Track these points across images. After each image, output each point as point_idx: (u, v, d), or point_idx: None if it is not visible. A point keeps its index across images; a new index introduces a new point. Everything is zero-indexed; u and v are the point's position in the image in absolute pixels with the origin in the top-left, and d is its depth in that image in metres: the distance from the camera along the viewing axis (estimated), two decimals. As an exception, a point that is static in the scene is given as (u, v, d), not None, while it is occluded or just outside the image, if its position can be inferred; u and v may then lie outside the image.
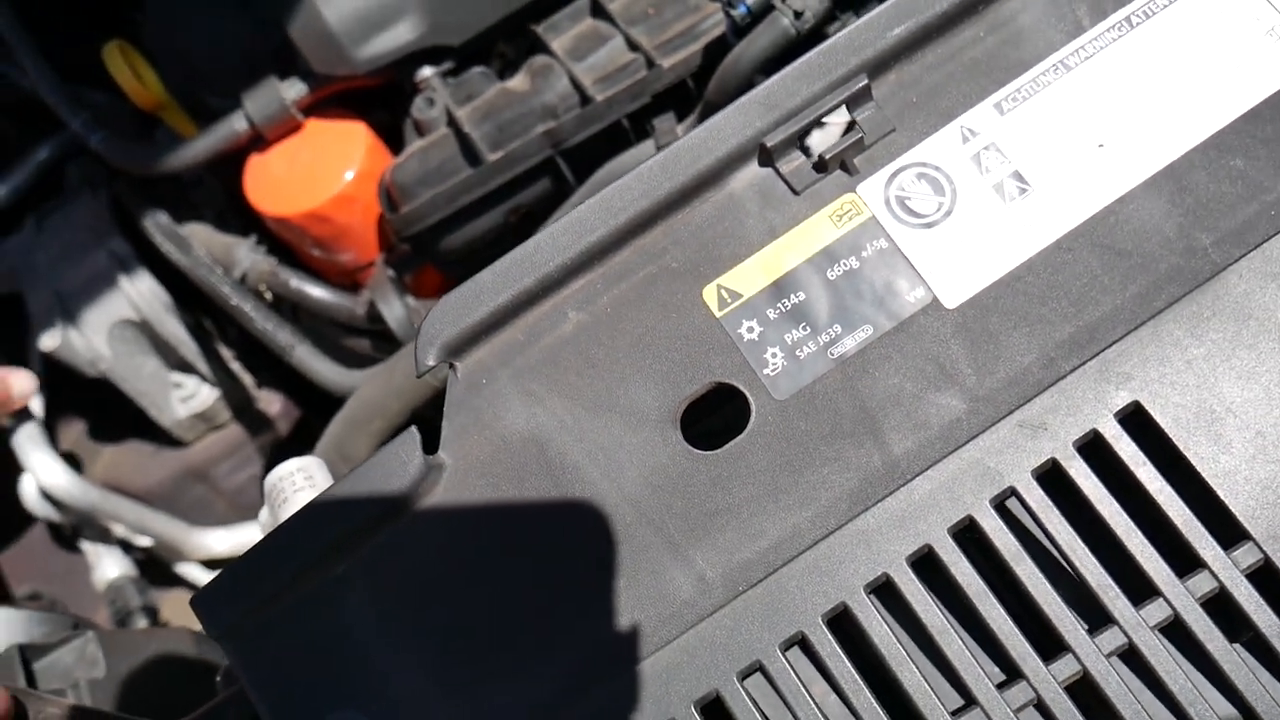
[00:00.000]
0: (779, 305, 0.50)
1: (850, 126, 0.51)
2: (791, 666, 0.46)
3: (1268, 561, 0.45)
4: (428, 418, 0.80)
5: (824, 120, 0.51)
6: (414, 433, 0.50)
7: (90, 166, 1.04)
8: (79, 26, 1.04)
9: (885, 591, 0.47)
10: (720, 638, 0.47)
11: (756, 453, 0.49)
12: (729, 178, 0.52)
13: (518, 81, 0.85)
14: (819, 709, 0.46)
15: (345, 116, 0.94)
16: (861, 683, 0.46)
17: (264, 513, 0.59)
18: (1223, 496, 0.46)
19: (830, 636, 0.46)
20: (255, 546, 0.51)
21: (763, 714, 0.46)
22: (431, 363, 0.50)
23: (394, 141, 0.97)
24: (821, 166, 0.51)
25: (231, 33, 0.91)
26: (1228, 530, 0.45)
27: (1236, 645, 0.45)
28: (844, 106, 0.51)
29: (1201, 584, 0.45)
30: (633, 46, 0.81)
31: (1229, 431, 0.46)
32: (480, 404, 0.51)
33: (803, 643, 0.47)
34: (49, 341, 1.00)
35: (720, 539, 0.48)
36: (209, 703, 0.56)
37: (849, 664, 0.46)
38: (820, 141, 0.51)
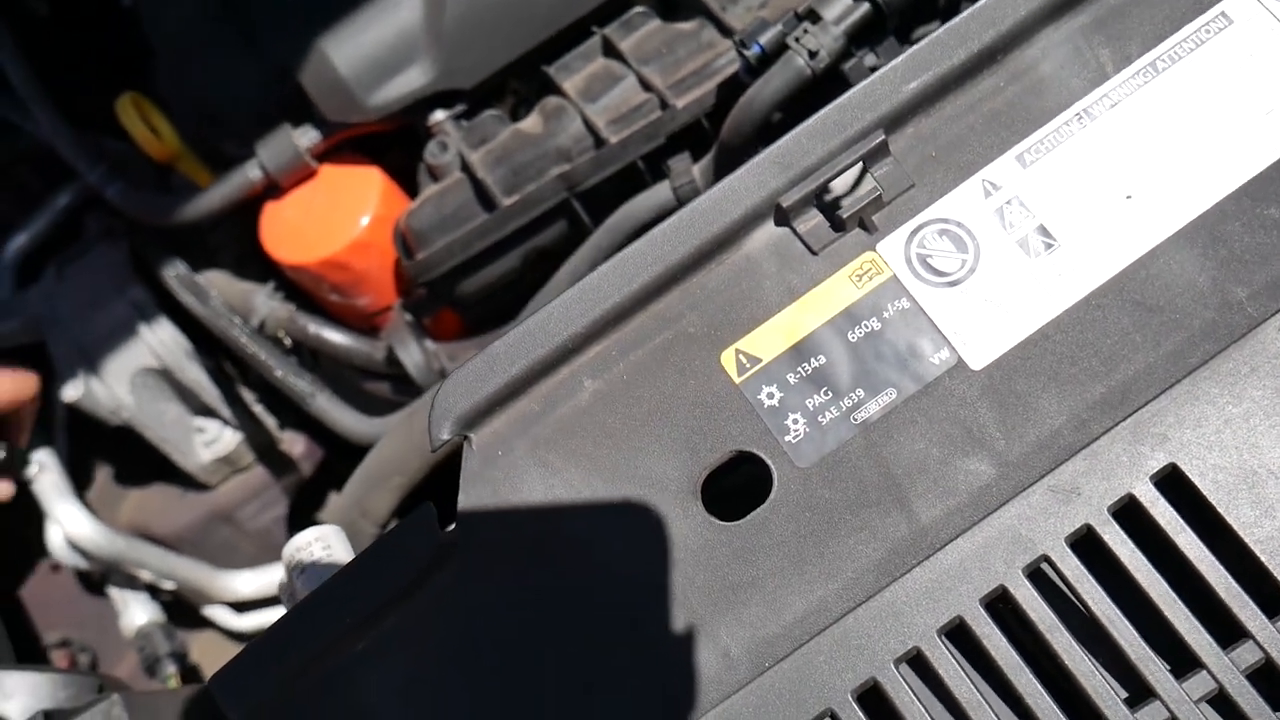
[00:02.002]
0: (799, 369, 0.49)
1: (865, 182, 0.49)
2: (822, 745, 0.45)
3: (1316, 630, 0.43)
4: (449, 473, 0.79)
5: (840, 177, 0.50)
6: (430, 509, 0.49)
7: (109, 216, 1.04)
8: (92, 75, 1.04)
9: (917, 664, 0.46)
10: (747, 716, 0.46)
11: (780, 523, 0.47)
12: (745, 239, 0.51)
13: (530, 123, 0.84)
14: (852, 788, 0.45)
15: (359, 162, 0.94)
16: (894, 761, 0.44)
17: (282, 581, 0.58)
18: (1266, 562, 0.44)
19: (860, 713, 0.45)
20: (273, 626, 0.50)
21: (794, 795, 0.45)
22: (446, 437, 0.50)
23: (409, 183, 0.97)
24: (839, 225, 0.50)
25: (244, 81, 0.91)
26: (1273, 598, 0.44)
27: (1283, 716, 0.44)
28: (861, 163, 0.49)
29: (1246, 655, 0.44)
30: (646, 86, 0.80)
31: (1272, 494, 0.45)
32: (496, 477, 0.50)
33: (833, 718, 0.46)
34: (71, 392, 1.00)
35: (745, 613, 0.47)
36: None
37: (881, 741, 0.45)
38: (838, 198, 0.50)
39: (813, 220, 0.50)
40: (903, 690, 0.45)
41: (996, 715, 0.45)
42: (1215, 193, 0.48)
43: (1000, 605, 0.46)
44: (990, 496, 0.46)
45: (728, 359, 0.50)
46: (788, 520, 0.47)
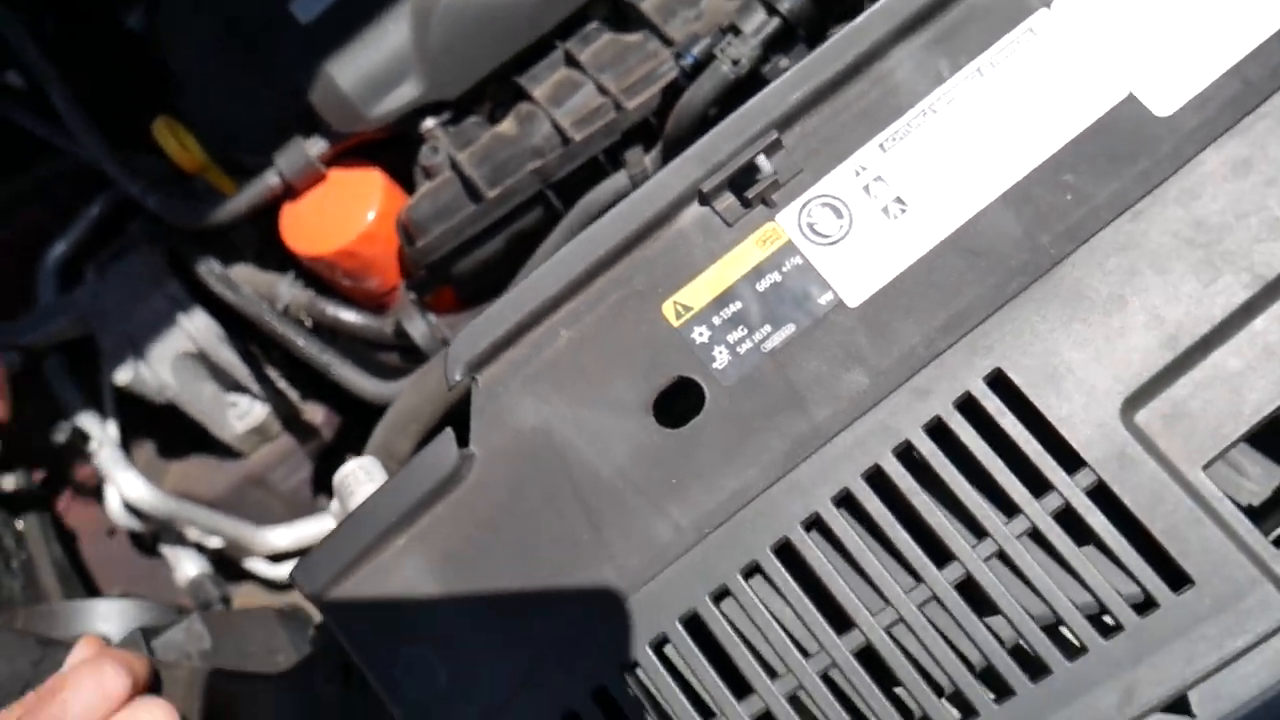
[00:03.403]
0: (722, 313, 0.65)
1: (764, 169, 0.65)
2: (749, 588, 0.61)
3: (1101, 482, 0.59)
4: (455, 419, 0.95)
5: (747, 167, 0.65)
6: (449, 433, 0.65)
7: (149, 222, 1.19)
8: (120, 100, 1.19)
9: (818, 526, 0.62)
10: (695, 569, 0.62)
11: (712, 428, 0.63)
12: (677, 217, 0.66)
13: (507, 126, 0.99)
14: (774, 618, 0.61)
15: (362, 165, 1.09)
16: (804, 595, 0.61)
17: (334, 503, 0.74)
18: (1065, 435, 0.60)
19: (778, 563, 0.61)
20: (336, 529, 0.66)
21: (732, 625, 0.61)
22: (459, 377, 0.66)
23: (403, 181, 1.12)
24: (748, 203, 0.65)
25: (258, 103, 1.06)
26: (1071, 461, 0.60)
27: (1085, 548, 0.60)
28: (762, 155, 0.65)
29: (1051, 501, 0.60)
30: (602, 91, 0.95)
31: (1068, 386, 0.61)
32: (499, 407, 0.66)
33: (757, 569, 0.62)
34: (123, 376, 1.15)
35: (690, 495, 0.63)
36: (305, 655, 0.72)
37: (794, 582, 0.61)
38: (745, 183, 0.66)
39: (727, 200, 0.66)
40: (807, 545, 0.61)
41: (878, 561, 0.61)
42: (1027, 165, 0.64)
43: (876, 479, 0.62)
44: (866, 398, 0.62)
45: (668, 309, 0.65)
46: (718, 425, 0.64)
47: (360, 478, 0.71)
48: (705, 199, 0.66)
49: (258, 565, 1.31)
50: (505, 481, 0.65)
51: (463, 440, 0.66)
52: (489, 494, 0.65)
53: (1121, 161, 0.63)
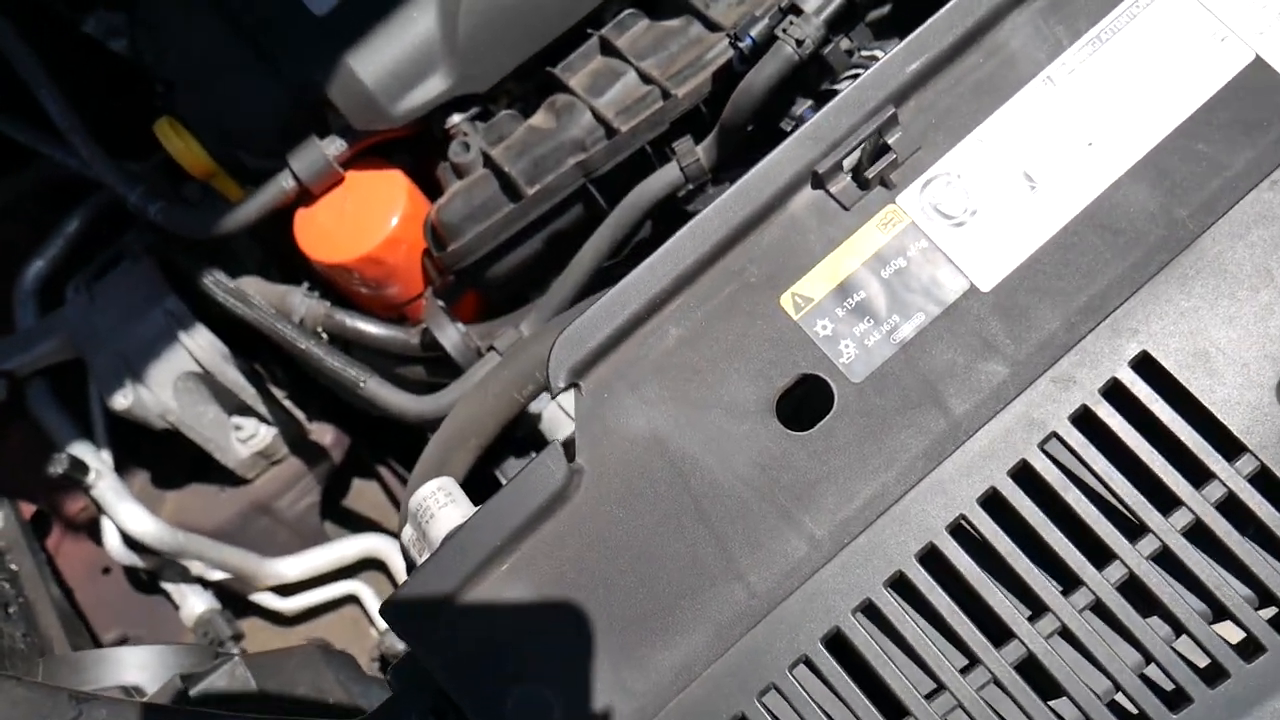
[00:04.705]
0: (845, 304, 0.60)
1: (885, 149, 0.61)
2: (897, 600, 0.57)
3: (1264, 468, 0.56)
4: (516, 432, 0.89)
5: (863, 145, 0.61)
6: (557, 446, 0.59)
7: (141, 234, 1.10)
8: (109, 102, 1.10)
9: (962, 533, 0.58)
10: (835, 583, 0.57)
11: (843, 429, 0.59)
12: (789, 202, 0.61)
13: (541, 119, 0.93)
14: (922, 633, 0.56)
15: (381, 165, 1.02)
16: (954, 604, 0.56)
17: (408, 530, 0.67)
18: (1222, 419, 0.56)
19: (923, 571, 0.57)
20: (431, 558, 0.60)
21: (878, 642, 0.56)
22: (562, 385, 0.60)
23: (420, 182, 1.05)
24: (865, 185, 0.61)
25: (263, 99, 0.98)
26: (1229, 446, 0.56)
27: (1246, 539, 0.56)
28: (878, 133, 0.61)
29: (1214, 491, 0.56)
30: (646, 79, 0.90)
31: (1220, 366, 0.57)
32: (606, 414, 0.60)
33: (901, 580, 0.57)
34: (122, 401, 1.07)
35: (823, 503, 0.58)
36: (384, 700, 0.65)
37: (942, 591, 0.56)
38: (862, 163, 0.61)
39: (843, 182, 0.61)
40: (955, 549, 0.57)
41: (1032, 565, 0.57)
42: (1156, 135, 0.60)
43: (1023, 476, 0.58)
44: (1007, 390, 0.58)
45: (786, 301, 0.60)
46: (849, 426, 0.59)
47: (441, 500, 0.65)
48: (819, 181, 0.61)
49: (266, 598, 1.23)
50: (617, 496, 0.59)
51: (569, 454, 0.60)
52: (600, 511, 0.59)
53: (1254, 128, 0.60)
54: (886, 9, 0.95)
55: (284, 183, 0.98)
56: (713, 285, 0.61)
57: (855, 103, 0.61)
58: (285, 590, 1.24)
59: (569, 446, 0.60)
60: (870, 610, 0.57)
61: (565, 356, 0.60)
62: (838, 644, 0.57)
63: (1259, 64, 0.61)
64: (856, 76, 0.68)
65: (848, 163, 0.61)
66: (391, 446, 1.29)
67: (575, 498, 0.59)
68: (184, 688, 0.76)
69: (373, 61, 0.92)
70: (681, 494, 0.59)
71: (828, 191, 0.61)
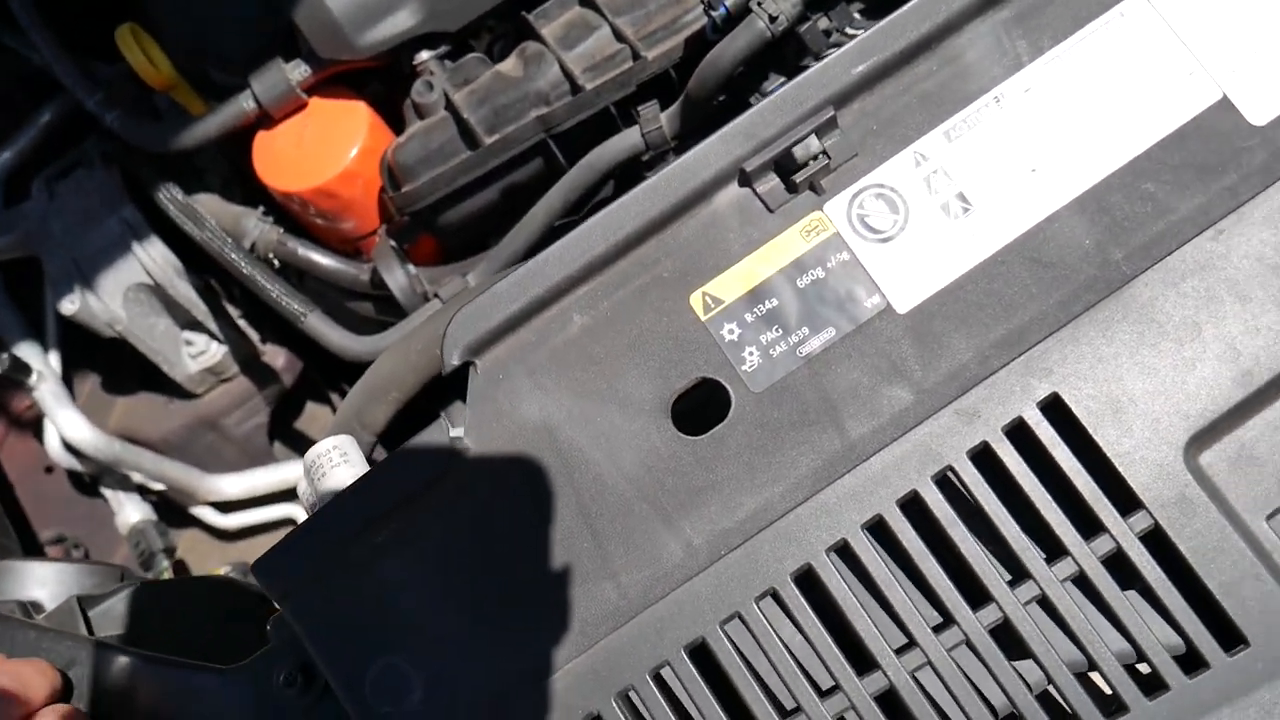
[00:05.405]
0: (755, 310, 0.58)
1: (819, 153, 0.58)
2: (765, 616, 0.56)
3: (1158, 527, 0.54)
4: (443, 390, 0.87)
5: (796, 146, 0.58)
6: (443, 423, 0.58)
7: (107, 141, 1.08)
8: (82, 3, 1.07)
9: (844, 553, 0.56)
10: (705, 593, 0.56)
11: (736, 438, 0.57)
12: (713, 197, 0.59)
13: (510, 66, 0.90)
14: (788, 650, 0.55)
15: (346, 95, 0.99)
16: (823, 628, 0.55)
17: (303, 484, 0.66)
18: (1123, 472, 0.55)
19: (797, 591, 0.56)
20: (308, 520, 0.59)
21: (742, 656, 0.56)
22: (456, 362, 0.58)
23: (389, 114, 1.03)
24: (793, 188, 0.58)
25: (236, 13, 0.95)
26: (1127, 501, 0.55)
27: (1129, 592, 0.55)
28: (813, 135, 0.58)
29: (1102, 545, 0.54)
30: (619, 37, 0.87)
31: (1130, 418, 0.55)
32: (498, 396, 0.59)
33: (775, 596, 0.56)
34: (69, 306, 1.06)
35: (705, 511, 0.57)
36: (261, 649, 0.65)
37: (813, 613, 0.55)
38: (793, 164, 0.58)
39: (771, 183, 0.59)
40: (833, 573, 0.56)
41: (907, 595, 0.56)
42: (1104, 169, 0.58)
43: (912, 506, 0.56)
44: (908, 417, 0.56)
45: (696, 300, 0.59)
46: (742, 435, 0.57)
47: (335, 459, 0.64)
48: (747, 179, 0.58)
49: (205, 513, 1.24)
50: (500, 480, 0.58)
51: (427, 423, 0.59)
52: (481, 493, 0.58)
53: (1207, 172, 0.57)
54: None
55: (244, 103, 0.96)
56: (623, 275, 0.59)
57: (793, 101, 0.58)
58: (226, 507, 1.25)
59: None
60: (738, 624, 0.56)
61: (461, 334, 0.58)
62: (701, 654, 0.56)
63: (1224, 104, 0.58)
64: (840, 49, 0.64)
65: (777, 163, 0.58)
66: (345, 372, 1.27)
67: (457, 477, 0.58)
68: (81, 609, 0.76)
69: (341, -11, 0.89)
70: (565, 486, 0.58)
71: (754, 191, 0.59)
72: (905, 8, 0.58)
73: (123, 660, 0.65)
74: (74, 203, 1.08)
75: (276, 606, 0.61)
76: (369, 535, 0.58)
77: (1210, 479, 0.55)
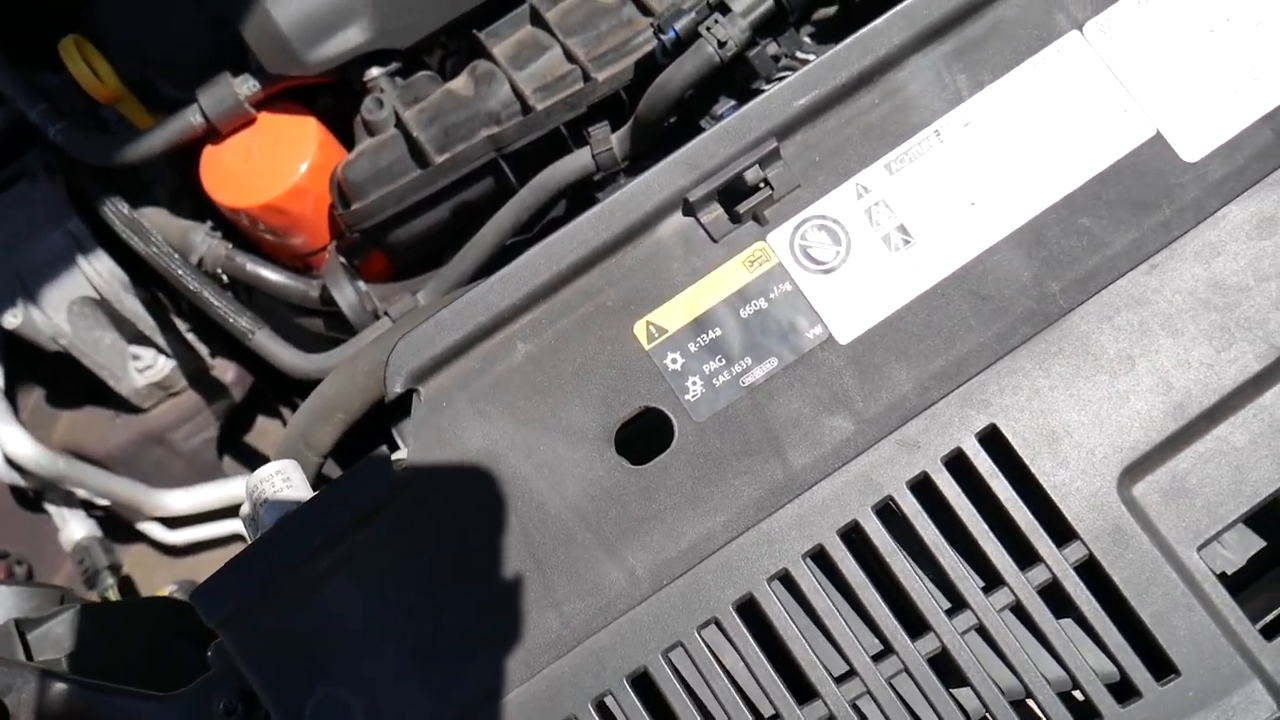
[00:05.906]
0: (699, 339, 0.58)
1: (762, 184, 0.58)
2: (707, 645, 0.56)
3: (1092, 557, 0.55)
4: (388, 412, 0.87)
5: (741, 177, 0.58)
6: (385, 452, 0.57)
7: (48, 152, 1.07)
8: (28, 12, 1.05)
9: (786, 582, 0.57)
10: (647, 622, 0.56)
11: (679, 467, 0.57)
12: (657, 226, 0.59)
13: (461, 84, 0.90)
14: (729, 679, 0.56)
15: (296, 110, 0.98)
16: (763, 657, 0.55)
17: (245, 508, 0.66)
18: (1058, 503, 0.56)
19: (739, 620, 0.56)
20: (248, 547, 0.59)
21: (684, 685, 0.56)
22: (399, 390, 0.58)
23: (338, 129, 1.02)
24: (737, 218, 0.59)
25: (184, 26, 0.94)
26: (1062, 532, 0.56)
27: (1064, 621, 0.56)
28: (757, 165, 0.58)
29: (1038, 575, 0.55)
30: (570, 58, 0.87)
31: (1066, 450, 0.56)
32: (441, 424, 0.59)
33: (717, 624, 0.56)
34: (11, 320, 1.04)
35: (648, 540, 0.57)
36: (201, 677, 0.64)
37: (754, 642, 0.56)
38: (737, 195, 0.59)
39: (715, 213, 0.59)
40: (773, 603, 0.56)
41: (847, 624, 0.56)
42: (1041, 203, 0.58)
43: (853, 535, 0.57)
44: (849, 447, 0.57)
45: (639, 329, 0.59)
46: (685, 465, 0.57)
47: (278, 484, 0.63)
48: (691, 209, 0.59)
49: (152, 529, 1.22)
50: (443, 509, 0.58)
51: (377, 444, 0.58)
52: (424, 522, 0.58)
53: (1141, 208, 0.59)
54: (833, 10, 0.92)
55: (191, 118, 0.95)
56: (567, 304, 0.59)
57: (737, 131, 0.59)
58: (173, 523, 1.23)
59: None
60: (680, 653, 0.56)
61: (404, 361, 0.58)
62: (644, 683, 0.56)
63: (1158, 141, 0.59)
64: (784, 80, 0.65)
65: (721, 194, 0.59)
66: (296, 386, 1.26)
67: (399, 506, 0.58)
68: (20, 632, 0.75)
69: (290, 4, 0.88)
70: (508, 515, 0.58)
71: (698, 220, 0.59)
72: (848, 41, 0.59)
73: (61, 687, 0.64)
74: (16, 216, 1.06)
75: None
76: (310, 563, 0.58)
77: (1143, 510, 0.56)
